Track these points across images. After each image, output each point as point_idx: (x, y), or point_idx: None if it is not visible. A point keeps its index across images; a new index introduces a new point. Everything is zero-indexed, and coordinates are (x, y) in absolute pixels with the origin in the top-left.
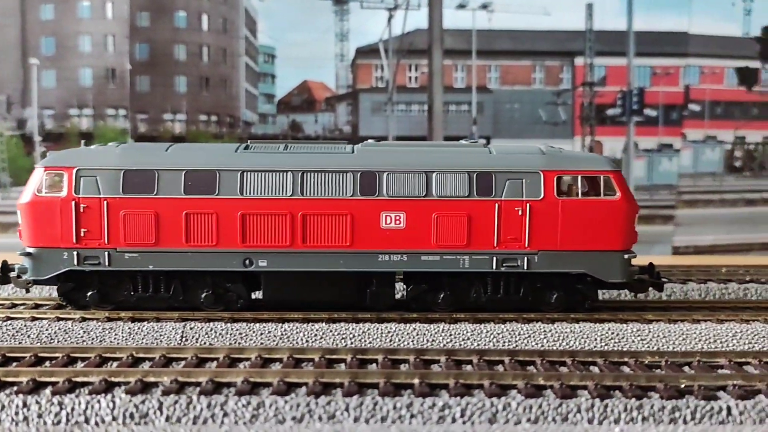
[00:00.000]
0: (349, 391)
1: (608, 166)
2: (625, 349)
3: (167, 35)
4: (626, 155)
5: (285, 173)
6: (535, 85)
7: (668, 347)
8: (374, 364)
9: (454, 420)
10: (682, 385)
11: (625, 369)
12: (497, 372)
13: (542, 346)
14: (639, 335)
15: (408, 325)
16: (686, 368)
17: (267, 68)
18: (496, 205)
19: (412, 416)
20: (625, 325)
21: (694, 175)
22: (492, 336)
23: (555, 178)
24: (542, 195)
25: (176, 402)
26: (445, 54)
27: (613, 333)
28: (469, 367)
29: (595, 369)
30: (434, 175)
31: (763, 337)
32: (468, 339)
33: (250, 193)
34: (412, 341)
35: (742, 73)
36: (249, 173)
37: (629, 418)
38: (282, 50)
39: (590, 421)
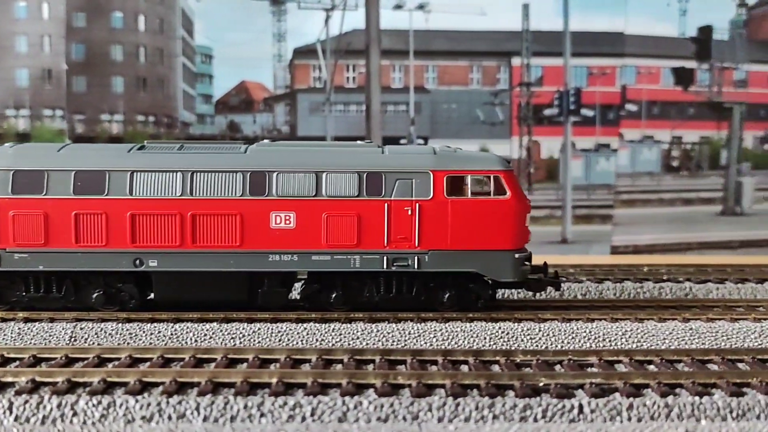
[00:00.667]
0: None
1: (499, 165)
2: (504, 348)
3: (104, 36)
4: (563, 155)
5: (174, 173)
6: (472, 85)
7: (555, 345)
8: (244, 364)
9: (303, 419)
10: (541, 384)
11: (495, 368)
12: (360, 372)
13: (431, 345)
14: (529, 334)
15: (301, 324)
16: (558, 367)
17: (204, 69)
18: (386, 204)
19: (262, 415)
20: (518, 324)
21: (631, 175)
22: (382, 335)
23: (445, 178)
24: (432, 195)
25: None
26: (383, 54)
27: (503, 332)
28: (339, 366)
29: (465, 368)
30: (324, 175)
31: (653, 335)
32: (359, 338)
33: (139, 194)
34: (302, 341)
35: (678, 73)
36: (139, 174)
37: (480, 416)
38: (219, 51)
39: (440, 420)
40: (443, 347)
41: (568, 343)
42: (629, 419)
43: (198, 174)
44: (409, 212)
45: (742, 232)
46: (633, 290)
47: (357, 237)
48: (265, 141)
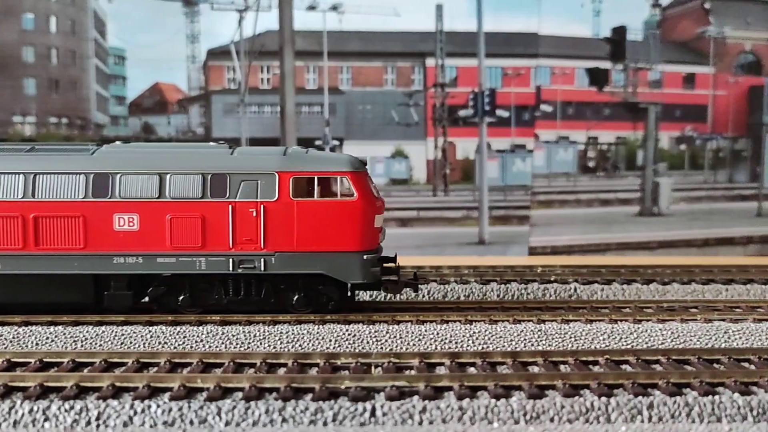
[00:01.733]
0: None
1: (347, 166)
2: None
3: (15, 37)
4: (479, 156)
5: (17, 175)
6: (387, 86)
7: (400, 348)
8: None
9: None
10: (342, 386)
11: (313, 371)
12: (185, 375)
13: (272, 347)
14: (375, 336)
15: (148, 327)
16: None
17: (118, 70)
18: (230, 206)
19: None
20: (371, 326)
21: (548, 176)
22: (226, 337)
23: (290, 179)
24: (277, 196)
25: None
26: (297, 55)
27: (349, 334)
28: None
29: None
30: (168, 176)
31: (502, 337)
32: (203, 341)
33: None
34: (144, 344)
35: (593, 74)
36: None
37: (269, 420)
38: (132, 52)
39: (228, 423)
40: (287, 350)
41: (414, 345)
42: (430, 423)
43: (41, 176)
44: (254, 214)
45: (660, 233)
46: (517, 291)
47: (202, 239)
48: (117, 143)
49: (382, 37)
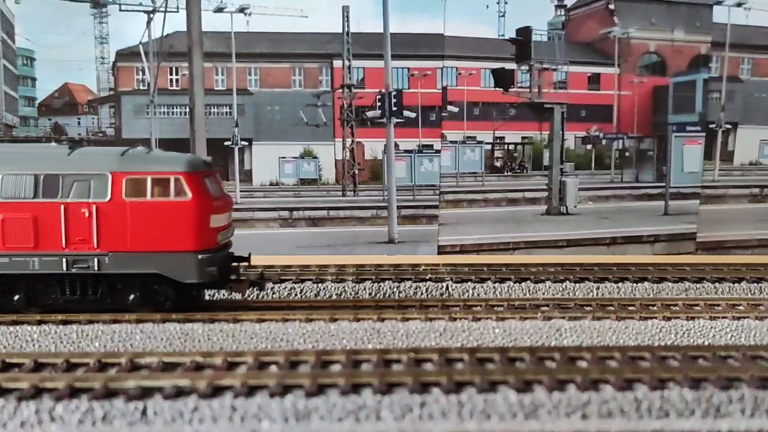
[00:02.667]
0: None
1: (183, 167)
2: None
3: None
4: (387, 156)
5: None
6: (295, 87)
7: (220, 347)
8: None
9: None
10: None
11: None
12: None
13: (103, 347)
14: (207, 335)
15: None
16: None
17: (26, 71)
18: (62, 206)
19: None
20: (208, 324)
21: (455, 176)
22: (52, 338)
23: (123, 180)
24: (109, 196)
25: None
26: (205, 56)
27: (183, 333)
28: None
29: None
30: (0, 177)
31: (332, 334)
32: (31, 341)
33: None
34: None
35: (498, 75)
36: None
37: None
38: (41, 53)
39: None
40: (117, 350)
41: (245, 343)
42: (200, 422)
43: None
44: (87, 214)
45: (568, 232)
46: (389, 290)
47: (35, 239)
48: None
49: (289, 38)
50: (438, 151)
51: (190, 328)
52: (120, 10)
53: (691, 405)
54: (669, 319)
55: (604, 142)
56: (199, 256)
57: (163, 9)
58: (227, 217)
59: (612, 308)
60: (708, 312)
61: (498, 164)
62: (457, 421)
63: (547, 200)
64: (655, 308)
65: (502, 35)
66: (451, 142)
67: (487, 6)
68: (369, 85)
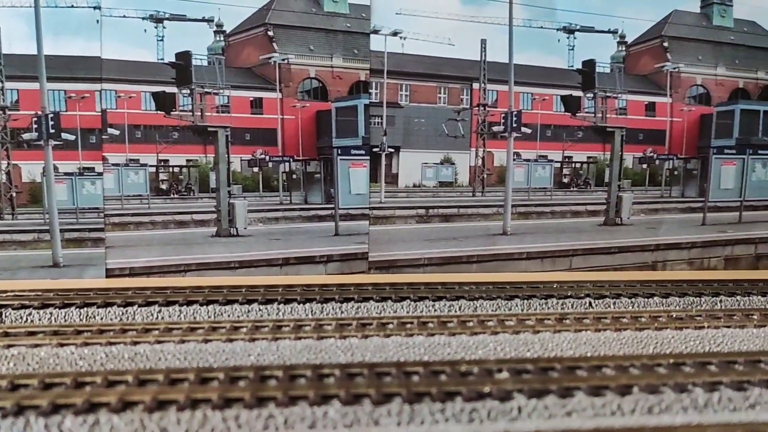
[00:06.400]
0: None
1: None
2: None
3: None
4: (46, 178)
5: None
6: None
7: None
8: None
9: None
10: None
11: None
12: None
13: None
14: None
15: None
16: None
17: None
18: None
19: None
20: None
21: (120, 198)
22: None
23: None
24: None
25: None
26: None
27: None
28: None
29: None
30: None
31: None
32: None
33: None
34: None
35: (159, 98)
36: None
37: None
38: None
39: None
40: None
41: None
42: None
43: None
44: None
45: (239, 253)
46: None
47: None
48: None
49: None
50: (100, 174)
51: None
52: None
53: None
54: None
55: (270, 165)
56: None
57: None
58: None
59: None
60: None
61: (164, 186)
62: None
63: (217, 222)
64: None
65: (162, 59)
66: (113, 164)
67: (145, 30)
68: (24, 107)
